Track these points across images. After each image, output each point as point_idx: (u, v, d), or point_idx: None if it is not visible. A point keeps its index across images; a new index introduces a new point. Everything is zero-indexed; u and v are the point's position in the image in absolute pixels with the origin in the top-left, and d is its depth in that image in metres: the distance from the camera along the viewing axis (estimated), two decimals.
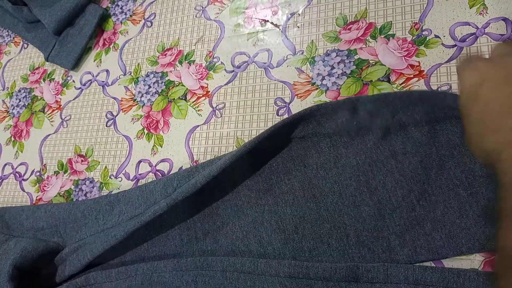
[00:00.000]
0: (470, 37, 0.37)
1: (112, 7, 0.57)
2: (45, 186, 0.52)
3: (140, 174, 0.47)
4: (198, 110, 0.46)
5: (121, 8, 0.57)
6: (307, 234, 0.36)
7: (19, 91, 0.61)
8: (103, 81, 0.54)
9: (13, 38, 0.66)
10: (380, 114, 0.35)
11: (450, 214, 0.32)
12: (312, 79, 0.42)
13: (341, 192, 0.36)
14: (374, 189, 0.34)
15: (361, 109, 0.36)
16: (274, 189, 0.38)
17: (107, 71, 0.54)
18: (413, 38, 0.39)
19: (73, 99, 0.55)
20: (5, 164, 0.57)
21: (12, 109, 0.60)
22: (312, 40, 0.43)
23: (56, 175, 0.52)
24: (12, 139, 0.58)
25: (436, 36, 0.38)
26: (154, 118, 0.48)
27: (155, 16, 0.54)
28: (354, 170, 0.35)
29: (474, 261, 0.31)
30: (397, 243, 0.33)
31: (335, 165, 0.36)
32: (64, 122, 0.54)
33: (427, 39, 0.38)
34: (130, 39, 0.54)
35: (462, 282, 0.29)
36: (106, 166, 0.49)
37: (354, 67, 0.40)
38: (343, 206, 0.35)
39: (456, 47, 0.37)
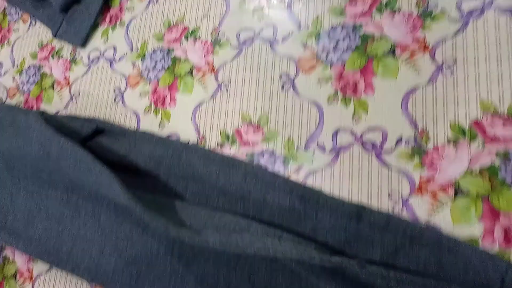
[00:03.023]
0: (477, 11, 0.37)
1: None
2: None
3: None
4: (204, 86, 0.47)
5: None
6: None
7: (29, 68, 0.62)
8: (110, 58, 0.55)
9: (21, 15, 0.66)
10: (382, 238, 0.34)
11: None
12: (317, 54, 0.42)
13: (319, 275, 0.35)
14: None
15: (365, 219, 0.35)
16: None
17: (114, 47, 0.55)
18: (419, 12, 0.39)
19: (82, 76, 0.56)
20: None
21: (23, 86, 0.61)
22: (317, 15, 0.43)
23: None
24: None
25: (443, 10, 0.38)
26: (161, 94, 0.49)
27: None
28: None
29: None
30: None
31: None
32: (74, 98, 0.56)
33: (433, 13, 0.38)
34: (136, 15, 0.54)
35: (457, 249, 0.30)
36: None
37: (359, 42, 0.40)
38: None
39: (462, 21, 0.37)
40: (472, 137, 0.35)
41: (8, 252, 0.54)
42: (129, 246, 0.42)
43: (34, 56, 0.62)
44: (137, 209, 0.37)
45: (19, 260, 0.53)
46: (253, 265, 0.37)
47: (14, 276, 0.53)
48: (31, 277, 0.51)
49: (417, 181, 0.36)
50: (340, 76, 0.41)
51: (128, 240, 0.42)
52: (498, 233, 0.32)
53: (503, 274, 0.30)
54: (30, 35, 0.64)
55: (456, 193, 0.34)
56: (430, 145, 0.36)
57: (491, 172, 0.33)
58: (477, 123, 0.35)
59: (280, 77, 0.43)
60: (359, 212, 0.35)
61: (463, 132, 0.35)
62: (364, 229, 0.34)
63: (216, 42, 0.48)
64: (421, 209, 0.35)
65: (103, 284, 0.42)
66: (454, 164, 0.35)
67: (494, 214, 0.33)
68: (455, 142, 0.35)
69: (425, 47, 0.38)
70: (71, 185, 0.46)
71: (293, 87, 0.42)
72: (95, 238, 0.44)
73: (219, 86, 0.46)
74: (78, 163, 0.42)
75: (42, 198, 0.48)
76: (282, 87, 0.43)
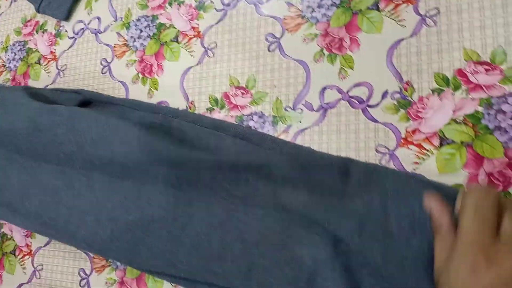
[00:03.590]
0: None
1: None
2: None
3: None
4: (191, 51, 0.47)
5: None
6: (265, 253, 0.36)
7: (14, 44, 0.61)
8: (95, 29, 0.54)
9: None
10: (369, 189, 0.34)
11: None
12: (302, 12, 0.42)
13: (309, 227, 0.36)
14: (337, 241, 0.35)
15: (353, 176, 0.35)
16: (247, 199, 0.38)
17: (98, 18, 0.54)
18: None
19: (67, 49, 0.56)
20: None
21: (9, 63, 0.61)
22: None
23: None
24: None
25: None
26: (148, 62, 0.49)
27: None
28: (321, 223, 0.36)
29: None
30: None
31: (304, 206, 0.36)
32: (61, 72, 0.55)
33: None
34: None
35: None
36: None
37: None
38: (307, 242, 0.36)
39: None
40: (456, 86, 0.35)
41: (6, 229, 0.55)
42: (125, 214, 0.42)
43: (18, 32, 0.61)
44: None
45: (17, 236, 0.54)
46: (246, 224, 0.38)
47: (14, 252, 0.54)
48: (30, 252, 0.53)
49: (403, 133, 0.36)
50: (326, 34, 0.41)
51: (123, 208, 0.43)
52: (482, 179, 0.33)
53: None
54: (13, 11, 0.63)
55: (441, 142, 0.35)
56: (415, 97, 0.36)
57: (474, 119, 0.34)
58: (461, 72, 0.35)
59: (266, 38, 0.43)
60: (346, 165, 0.35)
61: (447, 81, 0.35)
62: (352, 181, 0.35)
63: (200, 6, 0.47)
64: (407, 160, 0.36)
65: (100, 252, 0.43)
66: (439, 114, 0.35)
67: (478, 160, 0.33)
68: (439, 92, 0.35)
69: None
70: (64, 157, 0.46)
71: (280, 47, 0.42)
72: (91, 208, 0.44)
73: (206, 51, 0.46)
74: (73, 121, 0.43)
75: (36, 173, 0.49)
76: (268, 48, 0.43)
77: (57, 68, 0.56)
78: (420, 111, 0.36)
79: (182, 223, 0.40)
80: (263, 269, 0.36)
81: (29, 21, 0.61)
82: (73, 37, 0.56)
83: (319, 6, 0.41)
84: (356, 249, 0.34)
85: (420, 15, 0.37)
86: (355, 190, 0.35)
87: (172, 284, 0.43)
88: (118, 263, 0.46)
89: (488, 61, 0.34)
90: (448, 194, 0.31)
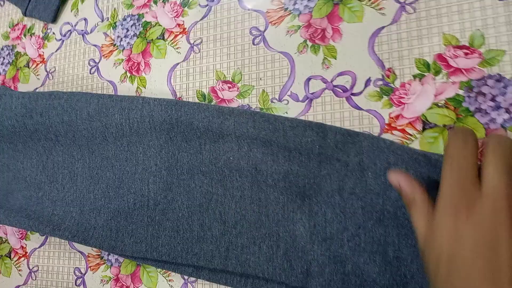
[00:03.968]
0: None
1: None
2: None
3: None
4: (177, 48, 0.47)
5: None
6: (243, 232, 0.38)
7: (2, 49, 0.61)
8: (82, 30, 0.54)
9: None
10: (345, 148, 0.35)
11: (370, 266, 0.33)
12: (285, 4, 0.42)
13: (284, 205, 0.37)
14: (314, 213, 0.36)
15: (330, 136, 0.36)
16: (225, 181, 0.39)
17: (85, 19, 0.54)
18: None
19: (56, 51, 0.56)
20: None
21: None
22: None
23: None
24: None
25: None
26: (135, 61, 0.49)
27: None
28: (300, 191, 0.36)
29: None
30: (316, 270, 0.35)
31: (284, 179, 0.37)
32: (50, 75, 0.55)
33: None
34: None
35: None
36: None
37: None
38: (282, 218, 0.37)
39: None
40: (437, 71, 0.36)
41: (0, 233, 0.55)
42: (107, 203, 0.44)
43: (6, 36, 0.61)
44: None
45: (12, 239, 0.54)
46: (224, 206, 0.39)
47: (9, 255, 0.54)
48: (26, 254, 0.53)
49: (386, 119, 0.37)
50: (308, 25, 0.41)
51: (105, 197, 0.44)
52: None
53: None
54: (0, 15, 0.63)
55: (424, 126, 0.35)
56: (397, 83, 0.37)
57: (455, 102, 0.35)
58: (441, 57, 0.36)
59: (250, 31, 0.44)
60: (322, 127, 0.36)
61: (427, 67, 0.36)
62: (329, 142, 0.36)
63: (184, 3, 0.48)
64: None
65: (84, 241, 0.44)
66: (421, 99, 0.36)
67: None
68: (420, 78, 0.36)
69: None
70: (45, 150, 0.47)
71: (264, 40, 0.43)
72: (74, 199, 0.45)
73: (192, 47, 0.46)
74: (71, 101, 0.45)
75: (18, 169, 0.50)
76: (253, 41, 0.43)
77: (46, 71, 0.56)
78: (402, 97, 0.36)
79: (163, 208, 0.41)
80: (241, 247, 0.37)
81: (16, 25, 0.61)
82: (61, 39, 0.56)
83: None
84: (336, 214, 0.35)
85: (399, 2, 0.38)
86: (333, 151, 0.35)
87: (167, 279, 0.43)
88: (113, 261, 0.46)
89: (467, 45, 0.35)
90: (424, 158, 0.32)
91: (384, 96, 0.37)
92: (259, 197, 0.38)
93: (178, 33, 0.47)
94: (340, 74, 0.39)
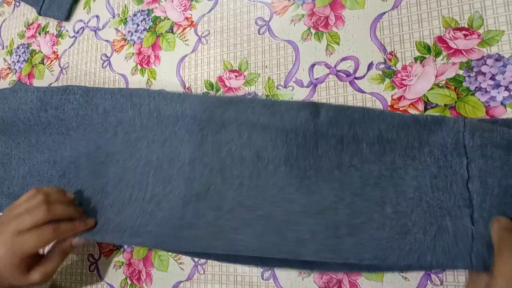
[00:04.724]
0: None
1: None
2: None
3: None
4: (185, 40, 0.49)
5: None
6: (237, 215, 0.38)
7: (18, 47, 0.64)
8: (94, 27, 0.56)
9: None
10: (338, 123, 0.36)
11: (367, 224, 0.34)
12: None
13: (282, 189, 0.37)
14: (311, 192, 0.36)
15: (323, 114, 0.36)
16: (225, 171, 0.39)
17: (97, 16, 0.57)
18: None
19: (69, 48, 0.58)
20: None
21: (14, 65, 0.63)
22: None
23: None
24: None
25: None
26: (145, 54, 0.51)
27: None
28: (301, 172, 0.37)
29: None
30: (307, 238, 0.35)
31: (285, 163, 0.37)
32: (63, 70, 0.58)
33: None
34: None
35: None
36: None
37: None
38: (279, 200, 0.37)
39: None
40: (437, 53, 0.37)
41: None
42: (103, 198, 0.45)
43: (21, 35, 0.64)
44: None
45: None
46: (221, 193, 0.39)
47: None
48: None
49: (389, 101, 0.38)
50: (312, 13, 0.42)
51: (102, 192, 0.46)
52: None
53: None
54: (16, 16, 0.66)
55: (425, 107, 0.36)
56: (399, 66, 0.38)
57: (456, 82, 0.36)
58: (441, 39, 0.37)
59: (256, 21, 0.45)
60: (316, 105, 0.36)
61: (428, 49, 0.37)
62: (322, 120, 0.36)
63: None
64: None
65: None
66: (422, 80, 0.37)
67: None
68: (421, 60, 0.37)
69: None
70: (55, 145, 0.49)
71: (269, 29, 0.44)
72: (78, 194, 0.47)
73: (199, 39, 0.48)
74: (87, 96, 0.46)
75: (33, 163, 0.51)
76: (259, 31, 0.45)
77: (60, 66, 0.58)
78: (404, 79, 0.37)
79: (158, 200, 0.42)
80: (234, 229, 0.37)
81: (31, 24, 0.63)
82: (74, 36, 0.58)
83: None
84: (333, 187, 0.35)
85: None
86: (327, 128, 0.36)
87: (178, 262, 0.44)
88: (125, 246, 0.48)
89: (466, 26, 0.36)
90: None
91: (386, 79, 0.38)
92: (257, 184, 0.38)
93: (186, 26, 0.49)
94: (343, 59, 0.40)
